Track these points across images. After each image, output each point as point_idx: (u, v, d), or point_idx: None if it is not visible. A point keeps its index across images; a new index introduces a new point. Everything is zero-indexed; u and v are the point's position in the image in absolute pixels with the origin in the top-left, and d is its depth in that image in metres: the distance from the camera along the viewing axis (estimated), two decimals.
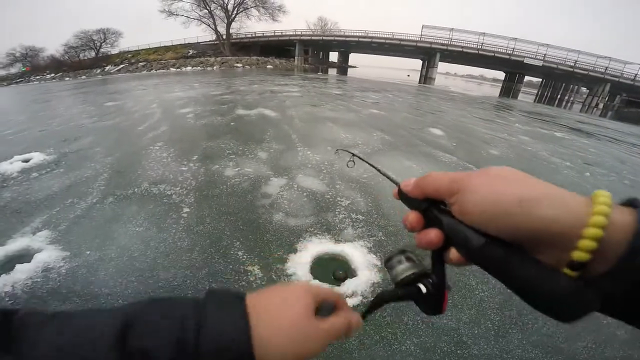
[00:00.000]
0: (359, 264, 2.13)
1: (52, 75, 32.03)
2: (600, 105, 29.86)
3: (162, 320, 0.29)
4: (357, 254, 2.23)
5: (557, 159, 5.56)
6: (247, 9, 39.47)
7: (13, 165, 3.57)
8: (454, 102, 14.04)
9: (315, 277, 2.00)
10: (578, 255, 0.23)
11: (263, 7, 39.39)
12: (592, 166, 5.41)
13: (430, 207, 0.32)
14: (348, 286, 1.93)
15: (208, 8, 38.09)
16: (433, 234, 0.31)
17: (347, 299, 1.88)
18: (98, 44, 39.97)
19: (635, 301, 0.23)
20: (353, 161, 0.56)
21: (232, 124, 5.71)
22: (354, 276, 2.03)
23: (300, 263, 2.11)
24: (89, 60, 38.08)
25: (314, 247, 2.27)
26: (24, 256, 2.09)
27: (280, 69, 30.04)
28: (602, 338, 1.74)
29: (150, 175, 3.39)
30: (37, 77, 32.26)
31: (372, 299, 0.37)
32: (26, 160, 3.73)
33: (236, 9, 38.91)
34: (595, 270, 0.23)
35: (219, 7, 38.53)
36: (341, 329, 0.35)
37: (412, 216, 0.33)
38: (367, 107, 9.07)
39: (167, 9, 37.43)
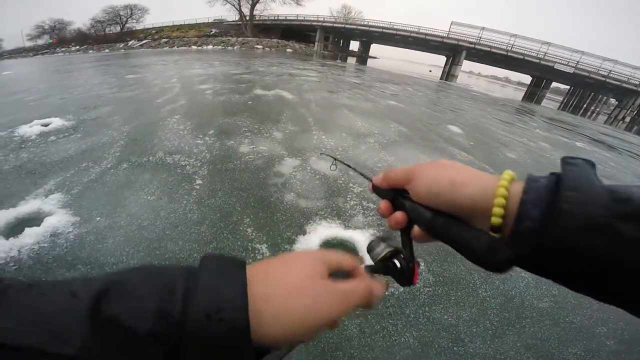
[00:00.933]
0: (367, 254, 2.09)
1: (77, 47, 32.49)
2: (627, 119, 28.63)
3: (143, 285, 0.26)
4: (366, 242, 2.19)
5: None
6: None
7: (32, 129, 3.62)
8: (475, 102, 13.67)
9: None
10: (493, 220, 0.29)
11: None
12: (609, 180, 5.23)
13: (396, 195, 0.39)
14: None
15: None
16: (399, 215, 0.38)
17: None
18: (124, 19, 40.32)
19: (541, 262, 0.26)
20: (335, 165, 0.62)
21: (249, 102, 5.67)
22: (361, 264, 2.00)
23: (308, 245, 2.09)
24: (114, 34, 38.55)
25: (323, 231, 2.25)
26: (34, 219, 2.07)
27: (300, 54, 29.71)
28: (592, 346, 1.74)
29: (165, 145, 3.40)
30: (63, 49, 32.75)
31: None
32: (45, 125, 3.79)
33: None
34: (508, 232, 0.28)
35: None
36: (361, 292, 0.33)
37: (383, 204, 0.40)
38: (386, 98, 8.91)
39: None
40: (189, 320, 0.24)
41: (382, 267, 0.39)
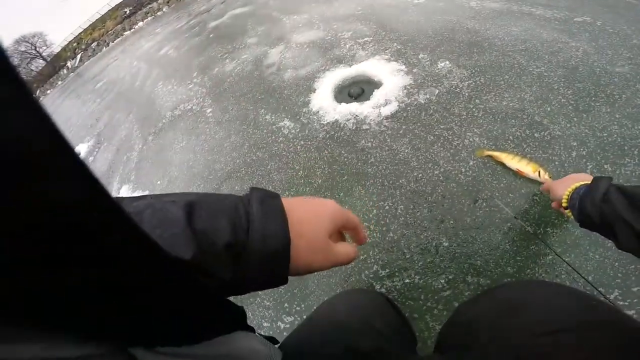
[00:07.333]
0: (382, 74, 2.12)
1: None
2: None
3: (216, 206, 0.34)
4: (378, 66, 2.21)
5: None
6: None
7: None
8: None
9: (341, 102, 2.05)
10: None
11: None
12: None
13: None
14: (378, 97, 1.93)
15: None
16: None
17: (382, 108, 1.89)
18: (33, 51, 36.77)
19: None
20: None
21: (210, 36, 5.37)
22: (381, 85, 2.04)
23: (322, 98, 2.17)
24: (46, 67, 34.94)
25: (330, 80, 2.30)
26: None
27: None
28: None
29: (168, 105, 3.47)
30: None
31: None
32: None
33: None
34: None
35: None
36: (343, 258, 0.41)
37: None
38: None
39: None
40: (251, 239, 0.33)
41: None
